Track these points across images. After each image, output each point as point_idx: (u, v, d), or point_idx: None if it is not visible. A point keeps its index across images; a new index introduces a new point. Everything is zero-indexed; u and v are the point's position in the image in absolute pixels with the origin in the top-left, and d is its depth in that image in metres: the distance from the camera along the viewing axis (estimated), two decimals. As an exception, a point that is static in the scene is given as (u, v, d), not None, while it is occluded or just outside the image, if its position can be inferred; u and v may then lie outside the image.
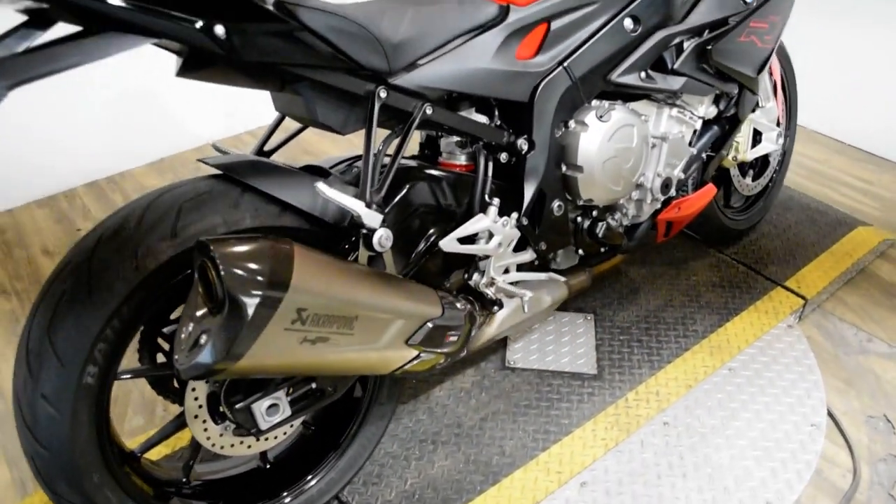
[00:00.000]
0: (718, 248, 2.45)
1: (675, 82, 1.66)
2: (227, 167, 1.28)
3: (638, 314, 2.15)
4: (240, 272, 1.04)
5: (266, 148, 1.57)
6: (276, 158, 1.53)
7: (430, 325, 1.29)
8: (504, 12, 1.46)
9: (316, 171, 1.42)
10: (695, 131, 1.88)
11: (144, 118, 3.06)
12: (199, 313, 1.12)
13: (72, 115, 2.88)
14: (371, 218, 1.23)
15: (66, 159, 2.94)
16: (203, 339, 1.08)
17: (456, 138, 1.56)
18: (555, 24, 1.49)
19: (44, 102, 2.76)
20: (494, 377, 1.92)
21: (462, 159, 1.57)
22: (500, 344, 2.02)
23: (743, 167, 2.36)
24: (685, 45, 1.64)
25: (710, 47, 1.66)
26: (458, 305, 1.38)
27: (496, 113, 1.52)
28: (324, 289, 1.13)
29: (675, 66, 1.63)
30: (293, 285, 1.08)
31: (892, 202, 2.88)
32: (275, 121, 1.54)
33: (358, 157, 1.48)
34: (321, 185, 1.19)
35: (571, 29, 1.51)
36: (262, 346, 1.08)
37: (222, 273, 1.03)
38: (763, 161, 2.43)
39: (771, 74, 2.18)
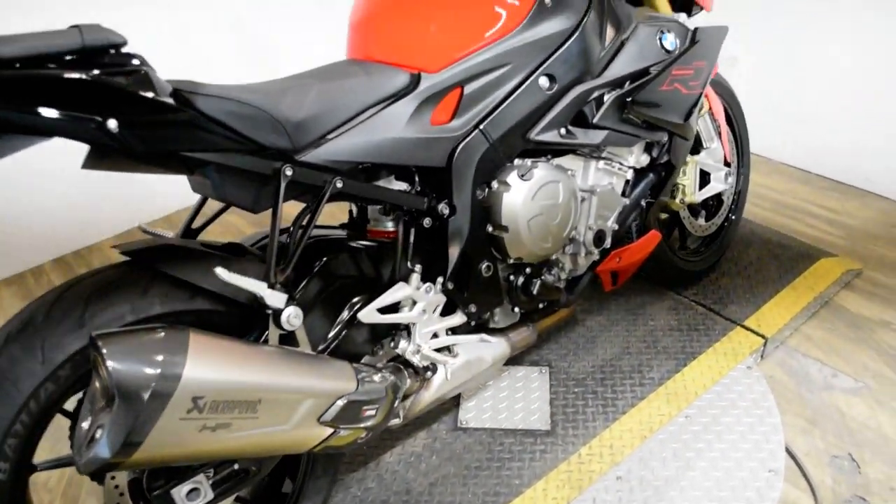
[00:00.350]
0: (677, 291, 2.43)
1: (597, 136, 1.65)
2: (137, 254, 1.29)
3: (594, 364, 2.12)
4: (128, 366, 1.04)
5: (195, 225, 1.57)
6: (204, 236, 1.55)
7: (342, 401, 1.27)
8: (415, 80, 1.47)
9: (234, 250, 1.42)
10: (627, 181, 1.87)
11: (110, 189, 3.07)
12: (97, 406, 1.11)
13: (37, 191, 2.90)
14: (275, 298, 1.23)
15: (33, 236, 2.96)
16: (98, 433, 1.07)
17: (378, 206, 1.56)
18: (468, 88, 1.49)
19: (6, 179, 2.79)
20: (446, 438, 1.89)
21: (389, 226, 1.57)
22: (453, 403, 2.00)
23: (694, 208, 2.35)
24: (605, 98, 1.64)
25: (629, 99, 1.66)
26: (377, 378, 1.36)
27: (416, 179, 1.53)
28: (221, 375, 1.12)
29: (595, 121, 1.63)
30: (186, 375, 1.07)
31: (858, 230, 2.87)
32: (199, 200, 1.55)
33: (285, 231, 1.48)
34: (220, 270, 1.19)
35: (486, 91, 1.51)
36: (158, 437, 1.07)
37: (109, 367, 1.03)
38: (718, 200, 2.42)
39: (713, 115, 2.18)
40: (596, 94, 1.63)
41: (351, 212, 1.68)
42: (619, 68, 1.67)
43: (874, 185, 3.15)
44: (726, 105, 2.37)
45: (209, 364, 1.11)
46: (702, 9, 2.02)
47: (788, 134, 3.39)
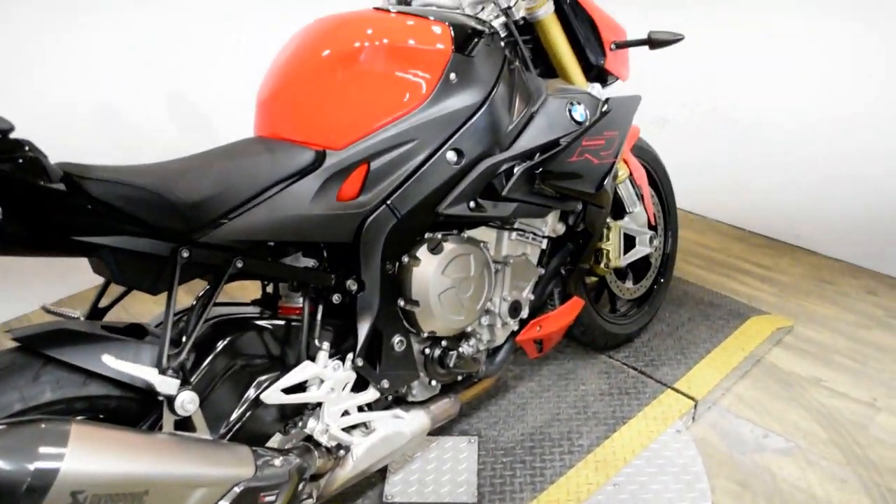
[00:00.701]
0: (609, 354, 2.43)
1: (507, 209, 1.66)
2: (29, 339, 1.26)
3: (523, 432, 2.10)
4: (0, 461, 1.01)
5: (103, 304, 1.55)
6: (110, 317, 1.52)
7: (239, 488, 1.24)
8: (321, 157, 1.47)
9: (135, 332, 1.39)
10: (543, 250, 1.88)
11: (34, 261, 3.02)
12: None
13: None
14: (166, 385, 1.21)
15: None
16: (-29, 531, 1.03)
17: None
18: (375, 164, 1.50)
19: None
20: (370, 516, 1.85)
21: (299, 302, 1.56)
22: (379, 476, 1.96)
23: (622, 272, 2.37)
24: (515, 170, 1.65)
25: (539, 171, 1.68)
26: (278, 462, 1.33)
27: (324, 255, 1.52)
28: (103, 467, 1.09)
29: (505, 193, 1.64)
30: (64, 469, 1.04)
31: (790, 286, 2.91)
32: (105, 280, 1.53)
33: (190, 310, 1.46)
34: (107, 357, 1.17)
35: (393, 167, 1.52)
36: (34, 534, 1.03)
37: (-20, 463, 0.99)
38: (646, 262, 2.44)
39: (634, 181, 2.21)
40: (505, 167, 1.64)
41: (264, 287, 1.67)
42: (528, 141, 1.69)
43: (805, 241, 3.22)
44: (650, 169, 2.41)
45: (91, 456, 1.08)
46: (617, 79, 2.07)
47: (723, 192, 3.46)
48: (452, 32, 1.58)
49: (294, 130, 1.51)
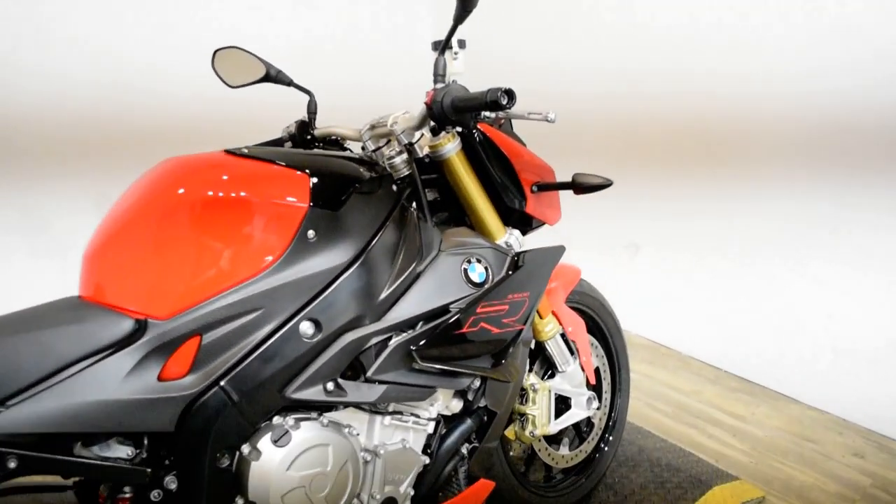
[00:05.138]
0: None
1: (372, 392, 1.38)
2: None
3: None
4: None
5: None
6: None
7: None
8: (141, 328, 1.22)
9: None
10: (430, 434, 1.58)
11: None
12: None
13: None
14: None
15: None
16: None
17: None
18: (208, 338, 1.25)
19: None
20: None
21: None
22: None
23: (555, 437, 2.06)
24: (389, 344, 1.39)
25: (415, 347, 1.41)
26: None
27: (144, 442, 1.26)
28: None
29: (370, 374, 1.37)
30: None
31: (765, 443, 2.58)
32: None
33: None
34: None
35: (231, 340, 1.26)
36: None
37: None
38: (589, 423, 2.14)
39: (567, 336, 1.93)
40: (375, 341, 1.37)
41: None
42: (408, 308, 1.42)
43: (786, 386, 2.90)
44: (597, 317, 2.13)
45: None
46: (543, 223, 1.82)
47: (700, 326, 3.17)
48: (313, 181, 1.34)
49: (114, 294, 1.27)
